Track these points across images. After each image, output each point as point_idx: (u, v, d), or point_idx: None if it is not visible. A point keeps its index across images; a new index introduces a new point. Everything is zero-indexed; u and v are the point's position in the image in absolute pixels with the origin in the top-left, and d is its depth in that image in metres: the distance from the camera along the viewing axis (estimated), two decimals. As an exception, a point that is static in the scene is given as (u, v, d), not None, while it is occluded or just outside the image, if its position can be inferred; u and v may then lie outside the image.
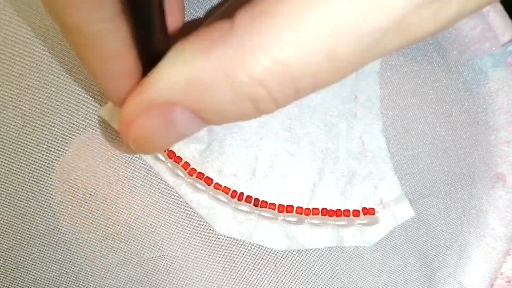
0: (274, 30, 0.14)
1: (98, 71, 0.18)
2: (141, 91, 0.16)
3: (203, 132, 0.24)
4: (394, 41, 0.15)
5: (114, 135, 0.24)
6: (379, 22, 0.14)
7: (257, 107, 0.16)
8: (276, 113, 0.24)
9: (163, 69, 0.15)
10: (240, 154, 0.24)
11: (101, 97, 0.24)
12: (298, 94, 0.16)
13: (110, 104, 0.24)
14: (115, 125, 0.23)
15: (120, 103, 0.18)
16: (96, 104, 0.24)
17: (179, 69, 0.15)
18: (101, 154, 0.24)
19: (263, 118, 0.24)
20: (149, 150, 0.18)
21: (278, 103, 0.16)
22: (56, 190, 0.23)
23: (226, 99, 0.15)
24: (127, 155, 0.24)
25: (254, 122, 0.24)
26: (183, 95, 0.15)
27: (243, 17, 0.15)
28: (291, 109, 0.25)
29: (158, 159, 0.24)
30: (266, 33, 0.14)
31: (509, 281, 0.25)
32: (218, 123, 0.17)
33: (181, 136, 0.18)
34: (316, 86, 0.16)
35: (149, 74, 0.16)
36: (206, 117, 0.16)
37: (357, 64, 0.15)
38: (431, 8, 0.14)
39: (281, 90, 0.15)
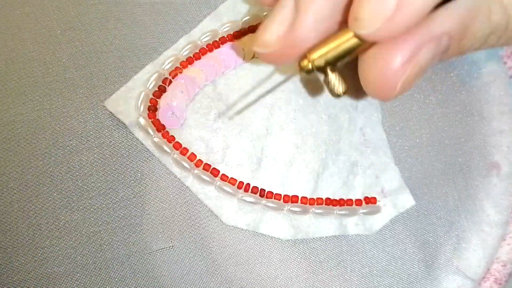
0: None
1: None
2: (420, 28, 0.17)
3: (210, 123, 0.24)
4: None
5: (119, 126, 0.24)
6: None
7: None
8: (282, 104, 0.25)
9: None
10: (246, 145, 0.24)
11: (106, 89, 0.24)
12: None
13: (115, 95, 0.24)
14: (120, 116, 0.24)
15: None
16: (101, 97, 0.24)
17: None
18: (106, 145, 0.24)
19: (269, 110, 0.25)
20: (408, 88, 0.19)
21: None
22: (62, 186, 0.23)
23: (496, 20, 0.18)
24: (133, 146, 0.24)
25: (261, 113, 0.25)
26: (458, 24, 0.17)
27: None
28: (296, 100, 0.25)
29: (164, 151, 0.24)
30: None
31: (504, 265, 0.26)
32: (464, 53, 0.19)
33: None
34: None
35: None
36: (461, 44, 0.18)
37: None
38: None
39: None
